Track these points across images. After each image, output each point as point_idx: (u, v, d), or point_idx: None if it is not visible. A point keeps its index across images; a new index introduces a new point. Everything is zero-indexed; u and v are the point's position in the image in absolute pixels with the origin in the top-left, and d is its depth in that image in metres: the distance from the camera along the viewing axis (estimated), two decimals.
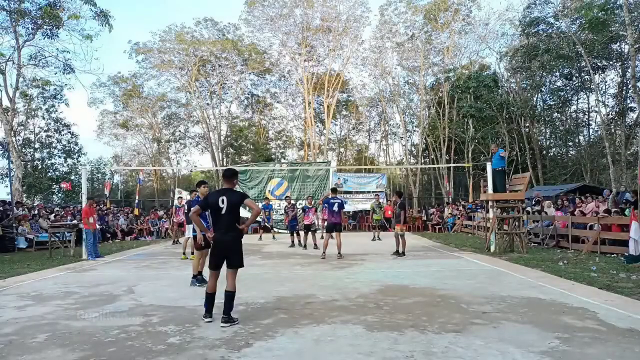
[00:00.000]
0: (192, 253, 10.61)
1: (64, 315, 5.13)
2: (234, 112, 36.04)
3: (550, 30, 24.78)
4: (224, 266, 4.76)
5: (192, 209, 5.05)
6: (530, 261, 9.11)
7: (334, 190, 11.19)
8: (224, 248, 4.70)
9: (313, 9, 30.47)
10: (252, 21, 31.74)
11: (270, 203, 18.11)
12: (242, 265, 4.79)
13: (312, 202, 13.93)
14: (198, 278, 6.93)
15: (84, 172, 13.34)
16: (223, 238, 4.69)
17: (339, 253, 10.34)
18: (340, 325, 4.52)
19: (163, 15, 61.59)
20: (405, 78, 33.39)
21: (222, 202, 4.63)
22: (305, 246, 12.83)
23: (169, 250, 13.24)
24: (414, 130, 34.91)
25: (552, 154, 30.29)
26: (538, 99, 29.07)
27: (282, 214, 21.25)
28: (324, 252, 10.33)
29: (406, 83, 33.48)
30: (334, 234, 10.40)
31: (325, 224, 11.22)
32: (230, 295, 4.61)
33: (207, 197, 4.91)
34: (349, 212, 23.66)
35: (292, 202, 15.65)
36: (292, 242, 13.69)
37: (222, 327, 4.50)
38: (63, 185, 26.36)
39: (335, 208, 10.33)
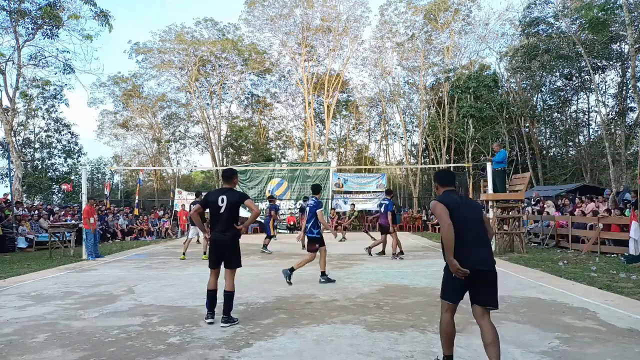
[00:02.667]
0: (205, 253, 10.54)
1: (64, 315, 5.13)
2: (234, 112, 36.09)
3: (550, 30, 24.79)
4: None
5: (193, 207, 5.02)
6: (530, 261, 9.11)
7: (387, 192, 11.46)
8: (221, 247, 4.71)
9: (313, 9, 30.49)
10: (252, 21, 31.77)
11: (277, 203, 17.79)
12: (239, 266, 4.79)
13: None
14: (326, 277, 7.07)
15: (84, 172, 13.34)
16: (221, 237, 4.70)
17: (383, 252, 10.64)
18: (340, 325, 4.52)
19: (163, 15, 61.63)
20: (405, 78, 33.45)
21: (222, 202, 4.66)
22: (304, 246, 12.89)
23: (169, 250, 13.25)
24: (414, 130, 34.94)
25: (552, 154, 30.29)
26: (538, 99, 29.08)
27: (282, 214, 21.32)
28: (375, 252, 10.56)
29: (406, 83, 33.53)
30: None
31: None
32: (229, 296, 4.62)
33: (207, 196, 4.90)
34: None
35: (277, 202, 15.13)
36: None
37: (222, 327, 4.52)
38: (64, 187, 26.34)
39: (382, 209, 10.60)
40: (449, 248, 3.09)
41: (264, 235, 17.12)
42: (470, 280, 3.06)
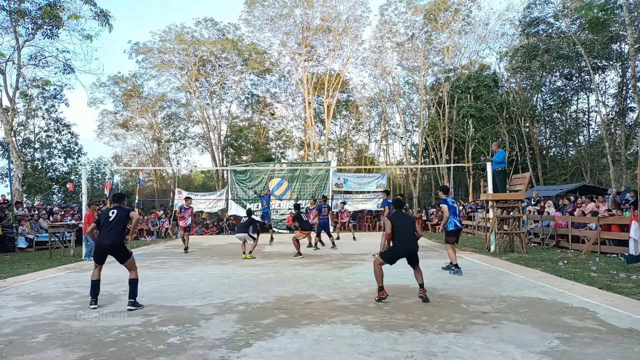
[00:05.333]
0: (250, 252, 10.79)
1: (64, 315, 5.14)
2: (234, 112, 36.07)
3: (550, 30, 24.79)
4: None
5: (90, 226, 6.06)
6: (530, 261, 9.11)
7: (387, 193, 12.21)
8: (110, 249, 5.57)
9: (313, 9, 30.48)
10: (252, 21, 31.76)
11: (269, 194, 17.24)
12: (130, 255, 5.69)
13: (315, 204, 14.34)
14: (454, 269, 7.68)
15: (84, 172, 13.34)
16: (105, 242, 5.55)
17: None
18: (340, 325, 4.52)
19: (163, 15, 61.61)
20: (405, 78, 33.44)
21: (112, 214, 5.67)
22: (313, 244, 13.05)
23: (169, 250, 13.23)
24: (414, 130, 34.94)
25: (552, 154, 30.30)
26: (538, 99, 29.08)
27: (282, 214, 21.30)
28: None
29: (406, 83, 33.52)
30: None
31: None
32: (134, 282, 5.50)
33: (100, 214, 5.93)
34: (349, 212, 23.69)
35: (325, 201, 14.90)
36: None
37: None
38: (68, 185, 26.32)
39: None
40: (387, 243, 5.99)
41: (262, 235, 17.07)
42: (403, 256, 5.79)
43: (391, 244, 5.89)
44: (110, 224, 5.60)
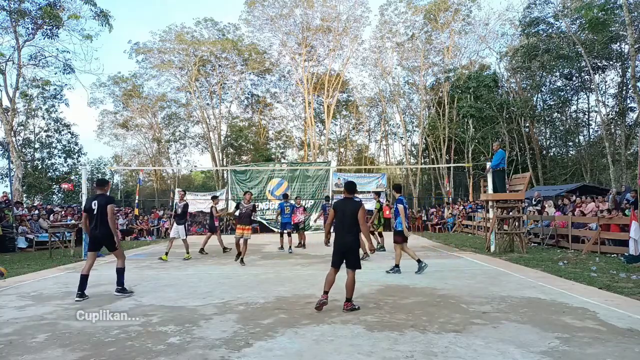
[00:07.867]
0: (187, 253, 10.80)
1: (64, 315, 5.14)
2: (234, 112, 36.08)
3: (550, 30, 24.82)
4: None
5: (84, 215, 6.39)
6: (530, 261, 9.11)
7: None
8: (99, 239, 6.02)
9: (313, 9, 30.49)
10: (252, 21, 31.78)
11: (290, 201, 13.45)
12: (117, 248, 6.09)
13: (300, 202, 13.68)
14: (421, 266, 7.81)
15: (84, 172, 13.34)
16: (97, 232, 5.97)
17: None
18: (340, 325, 4.52)
19: (163, 15, 61.64)
20: (405, 78, 33.46)
21: (94, 205, 5.99)
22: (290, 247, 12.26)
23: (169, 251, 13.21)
24: (414, 130, 34.96)
25: (552, 154, 30.31)
26: (538, 99, 29.10)
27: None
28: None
29: (406, 83, 33.54)
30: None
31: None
32: (119, 271, 6.03)
33: (86, 202, 6.31)
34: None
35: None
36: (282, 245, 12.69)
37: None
38: (64, 186, 26.25)
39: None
40: (326, 234, 5.48)
41: (262, 235, 16.97)
42: (341, 254, 5.10)
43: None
44: (95, 216, 5.99)
